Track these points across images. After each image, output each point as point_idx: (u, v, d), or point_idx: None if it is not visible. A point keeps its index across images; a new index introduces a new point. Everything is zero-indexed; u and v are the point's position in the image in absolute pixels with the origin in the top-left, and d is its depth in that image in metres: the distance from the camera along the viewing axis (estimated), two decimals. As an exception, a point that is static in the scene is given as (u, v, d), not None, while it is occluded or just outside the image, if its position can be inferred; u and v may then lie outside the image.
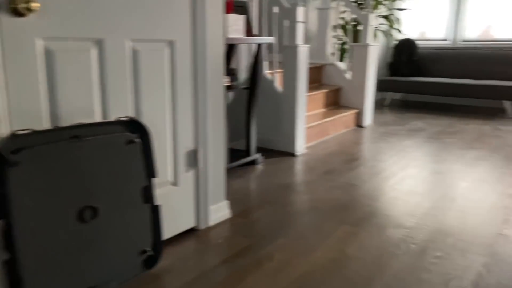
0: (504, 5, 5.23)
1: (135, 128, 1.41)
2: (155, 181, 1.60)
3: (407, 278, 1.49)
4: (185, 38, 1.64)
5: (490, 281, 1.46)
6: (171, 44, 1.59)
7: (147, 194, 1.45)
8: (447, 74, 5.45)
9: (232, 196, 2.28)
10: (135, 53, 1.46)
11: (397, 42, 5.69)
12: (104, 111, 1.41)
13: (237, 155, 2.82)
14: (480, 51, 5.28)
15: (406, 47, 5.59)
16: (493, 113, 4.95)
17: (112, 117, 1.43)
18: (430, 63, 5.58)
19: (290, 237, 1.81)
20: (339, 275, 1.51)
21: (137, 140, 1.40)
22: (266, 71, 3.26)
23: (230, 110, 3.22)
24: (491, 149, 3.26)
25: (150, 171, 1.46)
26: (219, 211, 1.94)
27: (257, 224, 1.93)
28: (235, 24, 2.46)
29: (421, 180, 2.54)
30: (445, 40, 5.69)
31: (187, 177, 1.76)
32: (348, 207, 2.13)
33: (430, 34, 5.82)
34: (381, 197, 2.27)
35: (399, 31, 5.55)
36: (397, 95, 6.10)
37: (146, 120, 1.55)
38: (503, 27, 5.28)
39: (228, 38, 2.37)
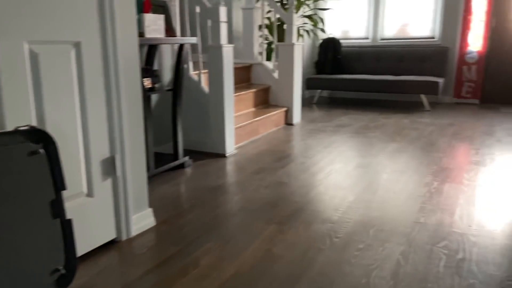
0: (418, 4, 5.59)
1: (38, 138, 1.29)
2: (66, 193, 1.49)
3: (332, 273, 1.51)
4: (93, 39, 1.54)
5: (408, 269, 1.53)
6: (77, 45, 1.48)
7: (56, 208, 1.34)
8: (369, 71, 5.72)
9: (158, 202, 2.20)
10: (34, 56, 1.34)
11: (322, 41, 5.87)
12: None
13: (164, 160, 2.73)
14: (398, 48, 5.60)
15: (331, 45, 5.78)
16: (412, 107, 5.27)
17: (10, 127, 1.30)
18: (353, 60, 5.82)
19: (218, 240, 1.77)
20: (267, 275, 1.50)
21: (41, 150, 1.29)
22: (192, 72, 3.19)
23: (155, 113, 3.11)
24: (410, 141, 3.46)
25: (58, 183, 1.34)
26: (142, 220, 1.85)
27: (184, 230, 1.87)
28: (154, 24, 2.37)
29: (346, 174, 2.62)
30: (366, 38, 5.97)
31: (104, 187, 1.66)
32: (277, 205, 2.14)
33: (353, 33, 6.07)
34: (309, 193, 2.30)
35: (323, 30, 5.73)
36: (325, 93, 6.30)
37: (52, 128, 1.43)
38: (418, 25, 5.64)
39: (146, 39, 2.28)
